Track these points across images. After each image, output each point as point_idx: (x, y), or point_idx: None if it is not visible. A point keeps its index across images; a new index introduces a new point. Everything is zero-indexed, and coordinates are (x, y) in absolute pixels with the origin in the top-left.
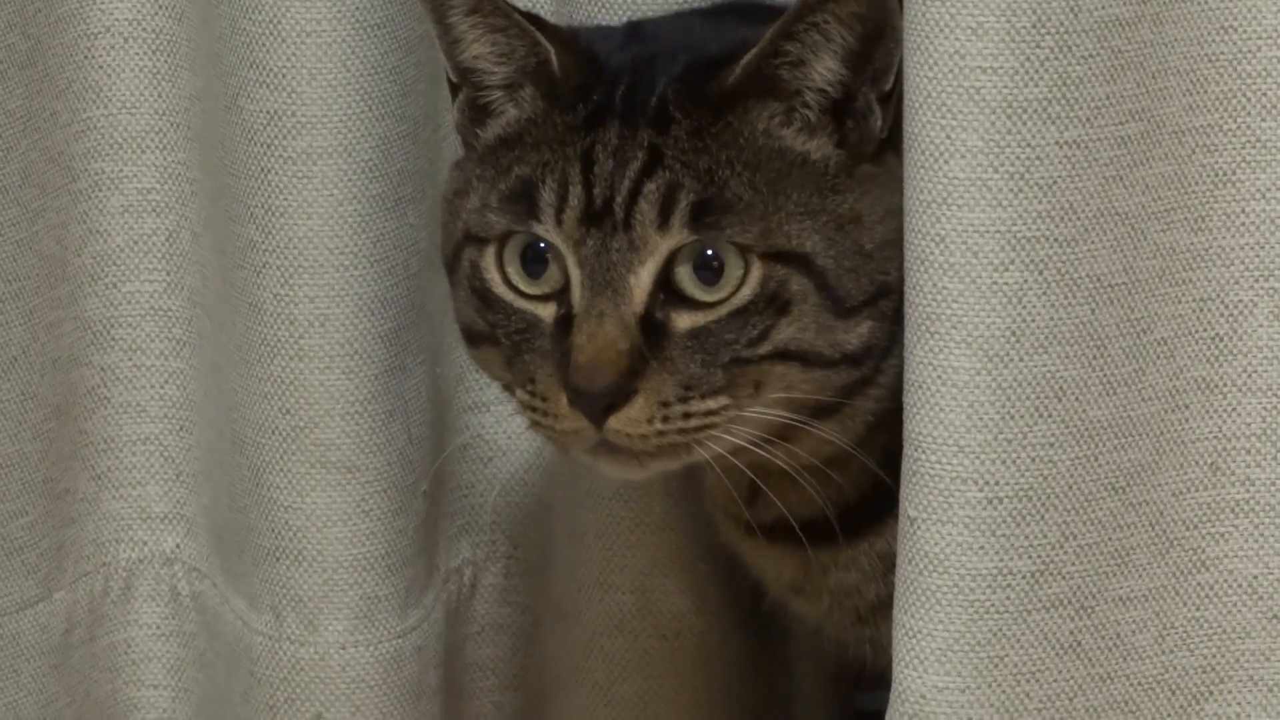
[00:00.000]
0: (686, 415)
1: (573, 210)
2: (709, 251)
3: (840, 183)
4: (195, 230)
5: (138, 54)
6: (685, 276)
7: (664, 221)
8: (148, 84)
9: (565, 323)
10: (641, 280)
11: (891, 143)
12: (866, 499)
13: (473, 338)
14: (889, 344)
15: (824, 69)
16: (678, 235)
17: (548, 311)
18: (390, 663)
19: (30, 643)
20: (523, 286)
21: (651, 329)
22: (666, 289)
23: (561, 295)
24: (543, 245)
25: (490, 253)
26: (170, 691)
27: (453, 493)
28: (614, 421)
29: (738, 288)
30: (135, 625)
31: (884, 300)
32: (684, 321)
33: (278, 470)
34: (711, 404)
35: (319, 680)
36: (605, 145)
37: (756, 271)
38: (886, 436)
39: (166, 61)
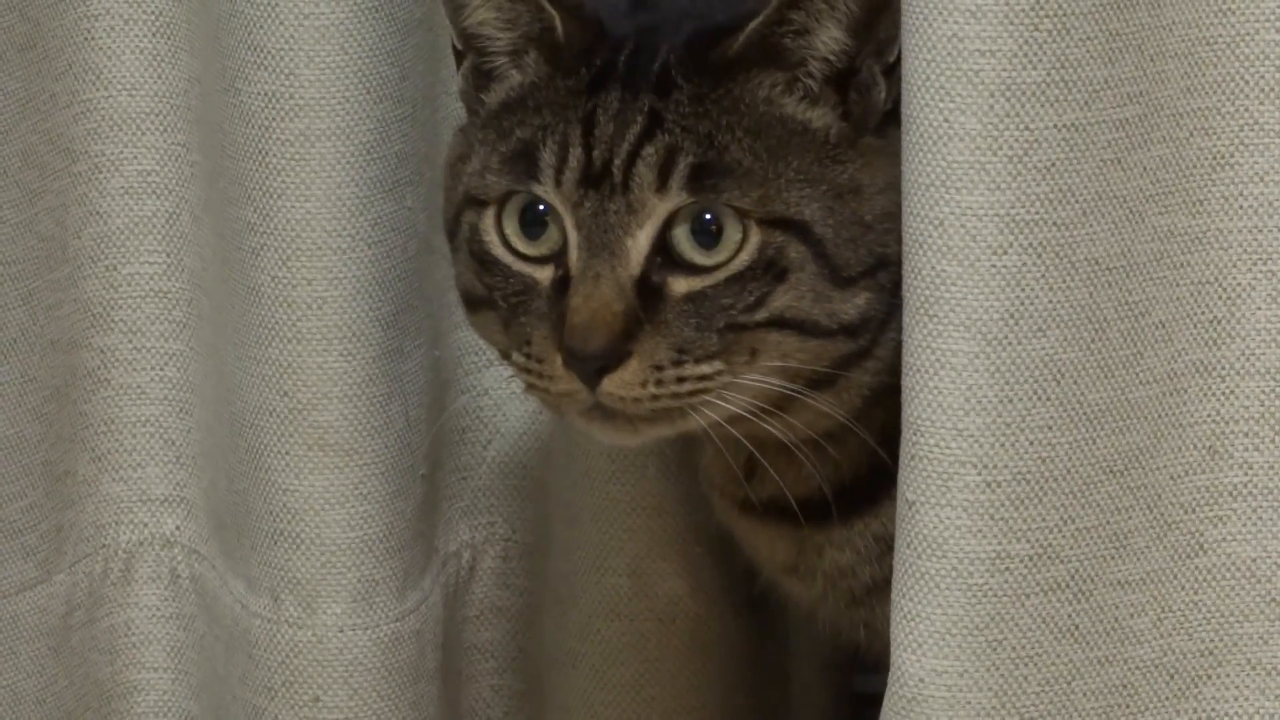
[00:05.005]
0: (680, 379)
1: (572, 172)
2: (707, 215)
3: (841, 153)
4: (195, 212)
5: (137, 36)
6: (683, 239)
7: (662, 184)
8: (147, 66)
9: (562, 285)
10: (639, 243)
11: (895, 116)
12: (863, 479)
13: (472, 303)
14: (887, 316)
15: (828, 38)
16: (675, 198)
17: (545, 273)
18: (388, 645)
19: (29, 625)
20: (521, 248)
21: (648, 292)
22: (664, 252)
23: (559, 257)
24: (542, 207)
25: (490, 215)
26: (170, 674)
27: (451, 475)
28: (608, 384)
29: (735, 253)
30: (135, 608)
31: (882, 272)
32: (681, 285)
33: (276, 453)
34: (705, 369)
35: (317, 663)
36: (606, 109)
37: (755, 237)
38: (884, 414)
39: (166, 44)
